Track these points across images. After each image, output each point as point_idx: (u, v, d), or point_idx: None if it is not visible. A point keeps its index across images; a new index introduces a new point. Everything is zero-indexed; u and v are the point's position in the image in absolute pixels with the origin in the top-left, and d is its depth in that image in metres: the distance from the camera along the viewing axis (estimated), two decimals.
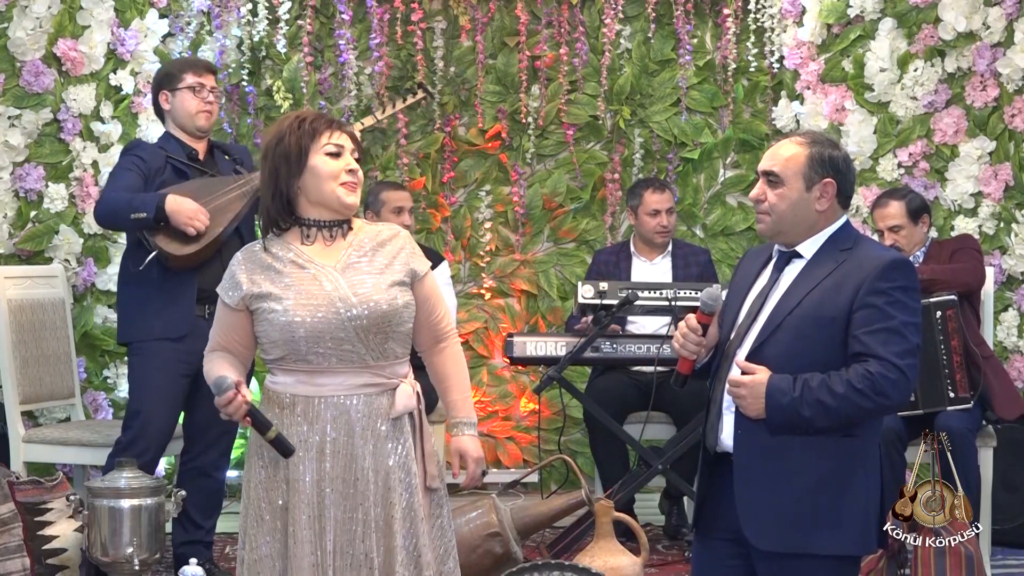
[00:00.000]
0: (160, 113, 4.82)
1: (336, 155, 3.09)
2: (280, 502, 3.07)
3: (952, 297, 4.86)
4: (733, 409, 3.10)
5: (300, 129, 3.08)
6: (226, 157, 4.83)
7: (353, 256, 3.12)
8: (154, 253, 4.50)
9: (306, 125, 3.08)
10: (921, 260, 5.14)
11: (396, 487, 3.08)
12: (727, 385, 3.09)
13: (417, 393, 3.18)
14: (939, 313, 4.83)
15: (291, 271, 3.08)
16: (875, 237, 5.45)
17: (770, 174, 3.16)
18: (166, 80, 4.77)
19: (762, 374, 3.03)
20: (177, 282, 4.58)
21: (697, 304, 3.27)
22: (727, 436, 3.13)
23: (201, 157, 4.75)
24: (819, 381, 2.99)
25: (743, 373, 3.07)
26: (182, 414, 4.83)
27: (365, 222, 3.23)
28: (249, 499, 3.12)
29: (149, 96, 5.79)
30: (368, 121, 5.23)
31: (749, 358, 3.08)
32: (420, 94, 5.23)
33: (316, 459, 3.05)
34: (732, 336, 3.17)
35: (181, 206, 4.47)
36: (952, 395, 4.82)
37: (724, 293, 3.28)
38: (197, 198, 4.53)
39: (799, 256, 3.16)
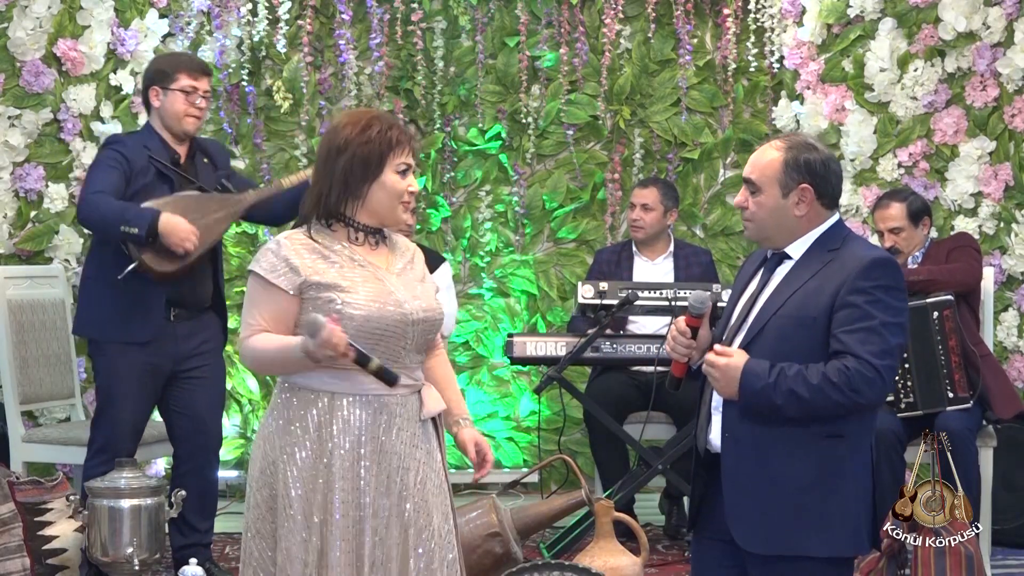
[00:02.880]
0: (147, 106, 4.70)
1: (404, 173, 3.09)
2: (320, 500, 3.02)
3: (949, 297, 4.86)
4: (722, 410, 3.11)
5: (386, 141, 3.06)
6: (205, 160, 4.74)
7: (399, 263, 3.15)
8: (135, 265, 4.43)
9: (392, 139, 3.06)
10: (920, 261, 5.14)
11: (430, 486, 3.11)
12: (704, 365, 3.09)
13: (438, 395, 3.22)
14: (936, 313, 4.83)
15: (352, 267, 3.07)
16: (874, 237, 5.45)
17: (749, 182, 3.18)
18: (159, 77, 4.64)
19: (739, 357, 3.03)
20: (147, 289, 4.51)
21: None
22: (716, 436, 3.14)
23: (183, 160, 4.68)
24: (795, 371, 2.99)
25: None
26: (164, 421, 4.83)
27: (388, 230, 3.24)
28: (274, 498, 3.06)
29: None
30: (300, 176, 4.75)
31: None
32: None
33: (358, 457, 3.03)
34: (723, 338, 3.18)
35: (175, 227, 4.39)
36: (951, 395, 4.82)
37: (724, 293, 3.28)
38: (186, 215, 4.46)
39: (789, 257, 3.17)
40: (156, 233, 4.37)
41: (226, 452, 6.23)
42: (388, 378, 2.98)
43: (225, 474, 6.12)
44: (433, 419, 3.18)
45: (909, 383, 4.83)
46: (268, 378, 6.10)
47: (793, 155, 3.13)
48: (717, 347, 3.08)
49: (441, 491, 3.15)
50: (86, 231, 5.67)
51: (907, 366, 4.82)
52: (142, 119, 5.81)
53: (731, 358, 3.03)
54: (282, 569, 3.03)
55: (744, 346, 3.09)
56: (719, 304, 4.53)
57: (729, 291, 3.55)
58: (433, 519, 3.10)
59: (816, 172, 3.13)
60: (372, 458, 3.04)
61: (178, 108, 4.61)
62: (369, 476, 3.03)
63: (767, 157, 3.16)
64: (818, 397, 2.97)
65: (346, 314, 2.99)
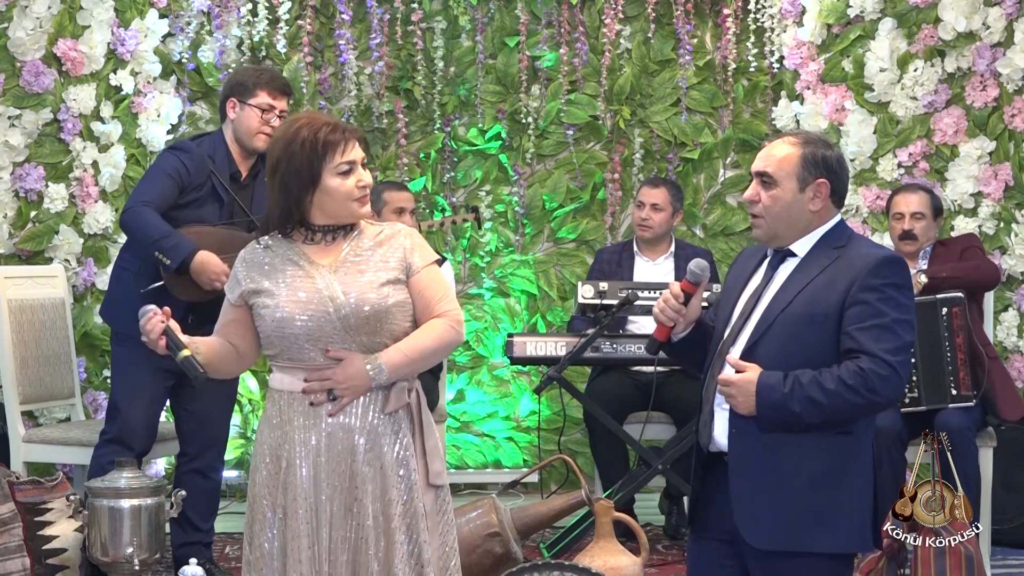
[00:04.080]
0: (222, 114, 4.70)
1: (347, 173, 3.09)
2: (280, 499, 3.09)
3: (959, 295, 4.86)
4: (726, 407, 3.10)
5: (312, 149, 3.05)
6: (267, 179, 4.76)
7: (350, 255, 3.14)
8: (161, 284, 4.48)
9: (318, 146, 3.05)
10: (928, 259, 5.14)
11: (394, 483, 3.09)
12: (718, 383, 3.09)
13: (416, 390, 3.19)
14: (945, 310, 4.83)
15: (287, 268, 3.12)
16: (876, 236, 5.45)
17: (763, 175, 3.16)
18: (238, 89, 4.62)
19: (752, 372, 3.02)
20: (171, 295, 4.53)
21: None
22: (719, 434, 3.13)
23: (243, 177, 4.67)
24: (810, 378, 2.99)
25: (736, 371, 3.07)
26: (173, 417, 4.86)
27: (370, 222, 3.23)
28: (253, 498, 3.15)
29: (154, 95, 5.83)
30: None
31: (743, 357, 3.07)
32: (472, 215, 5.29)
33: (313, 455, 3.07)
34: (726, 335, 3.17)
35: (207, 267, 4.41)
36: (954, 392, 4.82)
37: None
38: (223, 250, 4.46)
39: (792, 255, 3.17)
40: (187, 269, 4.42)
41: (226, 452, 6.22)
42: (191, 372, 3.08)
43: (225, 474, 6.11)
44: (411, 410, 3.16)
45: (914, 378, 4.83)
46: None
47: (811, 150, 3.14)
48: (731, 360, 3.07)
49: (411, 488, 3.11)
50: (87, 233, 5.68)
51: (912, 361, 4.81)
52: (143, 119, 5.81)
53: (744, 373, 3.03)
54: (256, 566, 3.10)
55: (751, 344, 3.08)
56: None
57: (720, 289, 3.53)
58: (399, 519, 3.07)
59: (832, 168, 3.14)
60: (328, 454, 3.07)
61: (252, 124, 4.59)
62: (328, 474, 3.06)
63: (783, 152, 3.15)
64: (836, 401, 2.97)
65: (267, 317, 3.08)
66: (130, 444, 4.58)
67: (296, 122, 3.12)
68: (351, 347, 3.08)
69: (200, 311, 4.60)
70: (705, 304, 3.32)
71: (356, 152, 3.10)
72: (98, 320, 5.74)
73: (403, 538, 3.08)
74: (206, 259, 4.42)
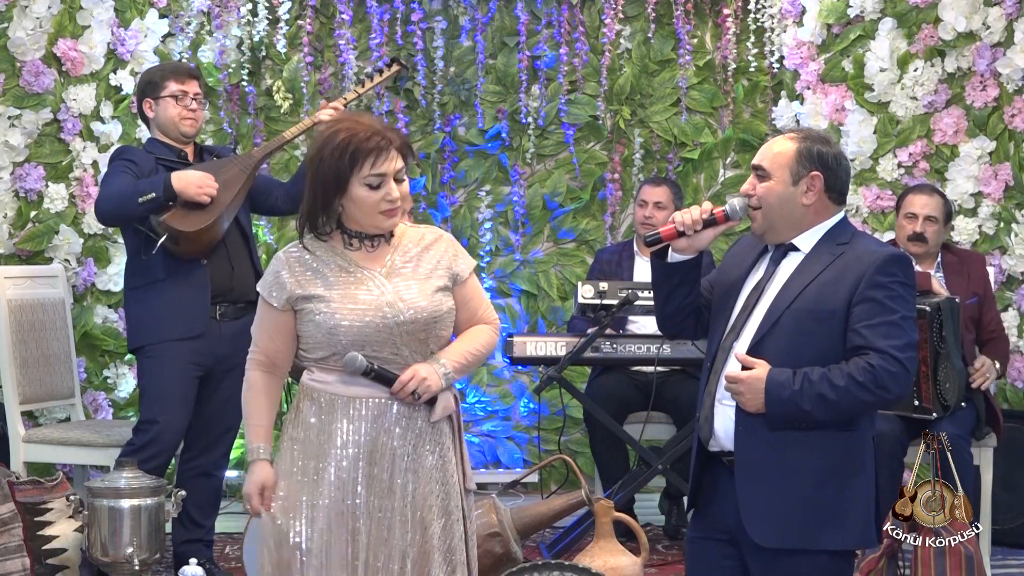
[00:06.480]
0: (145, 119, 4.78)
1: (378, 186, 3.03)
2: (318, 497, 3.05)
3: (926, 308, 4.74)
4: (728, 403, 3.10)
5: (341, 157, 3.00)
6: (214, 159, 4.80)
7: (398, 261, 3.13)
8: (164, 237, 4.48)
9: (347, 154, 3.00)
10: (942, 270, 5.12)
11: (434, 487, 3.10)
12: (723, 380, 3.09)
13: (455, 396, 3.20)
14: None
15: (337, 275, 3.08)
16: (870, 232, 5.43)
17: (758, 168, 3.19)
18: (149, 88, 4.72)
19: (761, 369, 3.03)
20: (190, 282, 4.57)
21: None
22: (720, 429, 3.13)
23: (191, 158, 4.74)
24: (820, 375, 3.00)
25: (743, 367, 3.07)
26: None
27: (409, 225, 3.21)
28: (285, 492, 3.09)
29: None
30: (351, 96, 5.16)
31: (750, 353, 3.08)
32: (395, 67, 5.20)
33: (354, 457, 3.06)
34: (727, 330, 3.16)
35: (188, 179, 4.48)
36: (916, 403, 4.74)
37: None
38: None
39: (796, 249, 3.17)
40: (173, 192, 4.45)
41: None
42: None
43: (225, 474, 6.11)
44: (450, 418, 3.17)
45: None
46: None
47: (807, 145, 3.16)
48: (740, 356, 3.07)
49: (448, 492, 3.13)
50: (87, 233, 5.68)
51: None
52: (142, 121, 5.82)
53: (753, 370, 3.03)
54: (282, 561, 3.07)
55: (757, 340, 3.09)
56: None
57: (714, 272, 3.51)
58: (436, 522, 3.09)
59: (828, 164, 3.15)
60: (370, 459, 3.06)
61: (171, 113, 4.69)
62: (366, 477, 3.05)
63: (780, 146, 3.18)
64: (846, 398, 2.99)
65: (326, 324, 3.03)
66: (161, 451, 4.58)
67: (339, 123, 3.06)
68: (405, 351, 3.08)
69: (225, 296, 4.61)
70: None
71: (391, 164, 3.03)
72: (98, 320, 5.75)
73: (438, 541, 3.09)
74: (184, 174, 4.49)
